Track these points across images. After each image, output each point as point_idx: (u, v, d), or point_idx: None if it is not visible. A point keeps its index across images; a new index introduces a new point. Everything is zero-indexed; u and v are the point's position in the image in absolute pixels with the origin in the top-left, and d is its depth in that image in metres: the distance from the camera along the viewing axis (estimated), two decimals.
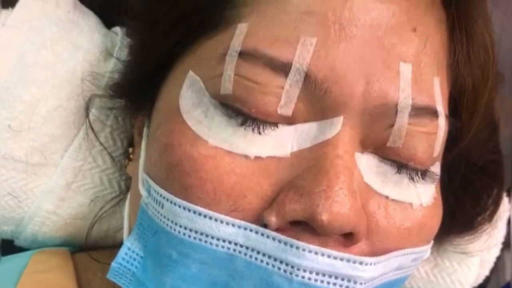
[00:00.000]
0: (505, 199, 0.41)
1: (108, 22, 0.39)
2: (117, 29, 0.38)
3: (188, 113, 0.29)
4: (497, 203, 0.39)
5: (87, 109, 0.35)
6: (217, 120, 0.28)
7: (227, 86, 0.27)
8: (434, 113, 0.29)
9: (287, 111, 0.27)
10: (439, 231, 0.32)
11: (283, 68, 0.27)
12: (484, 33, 0.32)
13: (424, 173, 0.30)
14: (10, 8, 0.36)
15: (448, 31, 0.30)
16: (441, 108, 0.29)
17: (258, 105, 0.27)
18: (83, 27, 0.36)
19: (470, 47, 0.31)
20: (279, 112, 0.27)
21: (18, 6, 0.36)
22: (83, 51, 0.35)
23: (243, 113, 0.27)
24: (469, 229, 0.38)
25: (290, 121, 0.27)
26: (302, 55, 0.26)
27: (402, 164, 0.29)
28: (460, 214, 0.37)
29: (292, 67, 0.26)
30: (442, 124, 0.29)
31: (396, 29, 0.28)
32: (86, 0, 0.39)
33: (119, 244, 0.33)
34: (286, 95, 0.27)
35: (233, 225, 0.27)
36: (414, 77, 0.28)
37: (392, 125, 0.28)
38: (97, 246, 0.40)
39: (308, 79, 0.27)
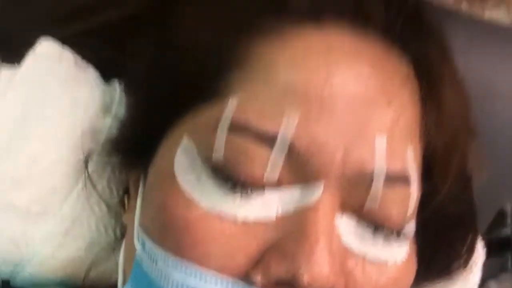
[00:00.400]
0: (479, 244, 0.43)
1: (106, 75, 0.42)
2: (115, 84, 0.40)
3: (182, 176, 0.31)
4: (471, 250, 0.41)
5: (86, 162, 0.37)
6: (209, 184, 0.30)
7: (218, 154, 0.30)
8: (406, 180, 0.31)
9: (273, 178, 0.30)
10: (414, 280, 0.35)
11: (269, 140, 0.29)
12: (455, 100, 0.35)
13: (398, 233, 0.32)
14: (16, 64, 0.39)
15: (421, 101, 0.33)
16: (414, 174, 0.32)
17: (246, 173, 0.30)
18: (83, 83, 0.39)
19: (441, 116, 0.34)
20: (265, 179, 0.30)
21: (23, 63, 0.38)
22: (83, 107, 0.38)
23: (232, 179, 0.30)
24: (444, 276, 0.41)
25: (276, 185, 0.30)
26: (286, 129, 0.29)
27: (378, 225, 0.31)
28: (435, 262, 0.39)
29: (278, 139, 0.29)
30: (414, 189, 0.32)
31: (372, 102, 0.31)
32: (85, 55, 0.41)
33: (114, 285, 0.36)
34: (271, 164, 0.29)
35: (221, 283, 0.29)
36: (388, 147, 0.31)
37: (368, 190, 0.30)
38: (94, 286, 0.42)
39: (292, 150, 0.29)
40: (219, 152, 0.30)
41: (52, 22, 0.41)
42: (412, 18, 0.34)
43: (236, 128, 0.30)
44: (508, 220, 1.08)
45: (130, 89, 0.37)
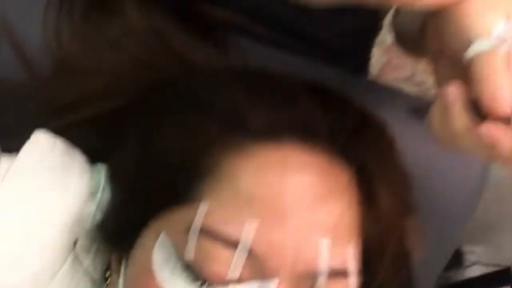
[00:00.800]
0: None
1: (94, 158, 0.47)
2: (101, 169, 0.46)
3: (159, 270, 0.37)
4: None
5: (74, 244, 0.43)
6: (181, 279, 0.36)
7: (189, 254, 0.36)
8: (347, 273, 0.38)
9: (235, 276, 0.36)
10: None
11: (233, 244, 0.35)
12: (392, 196, 0.41)
13: None
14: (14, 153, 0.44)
15: (360, 203, 0.40)
16: (353, 267, 0.38)
17: (213, 272, 0.35)
18: (73, 171, 0.44)
19: (377, 214, 0.40)
20: (228, 277, 0.36)
21: (20, 153, 0.43)
22: (72, 195, 0.43)
23: (201, 277, 0.36)
24: None
25: (238, 282, 0.36)
26: (247, 235, 0.35)
27: None
28: None
29: (239, 244, 0.35)
30: (353, 280, 0.38)
31: (318, 209, 0.37)
32: (75, 143, 0.46)
33: None
34: (234, 264, 0.35)
35: None
36: (331, 247, 0.37)
37: (315, 284, 0.37)
38: None
39: (251, 252, 0.35)
40: (190, 252, 0.36)
41: (46, 115, 0.46)
42: (356, 129, 0.40)
43: (205, 232, 0.36)
44: (466, 260, 1.15)
45: (113, 182, 0.43)
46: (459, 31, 0.37)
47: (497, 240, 1.15)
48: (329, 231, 0.37)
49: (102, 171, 0.45)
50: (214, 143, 0.38)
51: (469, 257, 1.10)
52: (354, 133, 0.40)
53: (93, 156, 0.47)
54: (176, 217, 0.38)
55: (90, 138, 0.47)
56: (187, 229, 0.36)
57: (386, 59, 1.10)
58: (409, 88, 1.12)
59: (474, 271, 1.08)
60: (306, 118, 0.38)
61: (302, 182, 0.37)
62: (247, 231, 0.35)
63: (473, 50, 0.35)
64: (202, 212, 0.36)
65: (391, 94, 0.60)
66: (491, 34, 0.35)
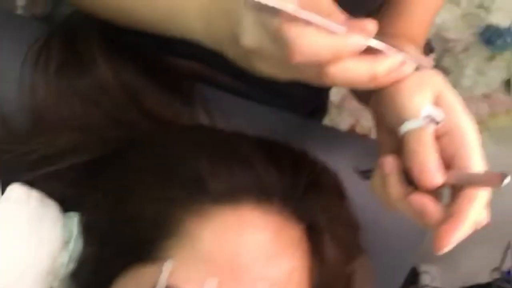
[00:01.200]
0: None
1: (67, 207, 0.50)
2: (74, 218, 0.49)
3: None
4: None
5: None
6: None
7: None
8: None
9: None
10: None
11: None
12: (338, 248, 0.46)
13: None
14: None
15: (310, 258, 0.44)
16: None
17: None
18: (47, 221, 0.47)
19: (324, 267, 0.45)
20: None
21: None
22: (47, 244, 0.46)
23: None
24: None
25: None
26: None
27: None
28: None
29: None
30: None
31: (271, 266, 0.41)
32: (49, 193, 0.50)
33: None
34: None
35: None
36: None
37: None
38: None
39: None
40: None
41: (22, 167, 0.49)
42: (307, 187, 0.45)
43: None
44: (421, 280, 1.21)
45: (85, 233, 0.46)
46: (394, 107, 0.41)
47: (452, 260, 1.21)
48: (281, 286, 0.41)
49: (75, 219, 0.49)
50: (178, 205, 0.42)
51: (425, 278, 1.16)
52: (304, 193, 0.44)
53: (66, 204, 0.50)
54: (142, 275, 0.41)
55: (64, 188, 0.51)
56: (153, 287, 0.40)
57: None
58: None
59: None
60: (262, 181, 0.43)
61: (257, 241, 0.41)
62: None
63: (405, 126, 0.40)
64: (166, 271, 0.40)
65: (345, 139, 0.65)
66: (420, 114, 0.40)
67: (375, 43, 0.38)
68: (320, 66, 0.38)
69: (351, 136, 0.67)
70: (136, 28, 0.49)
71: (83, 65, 0.52)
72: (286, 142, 0.49)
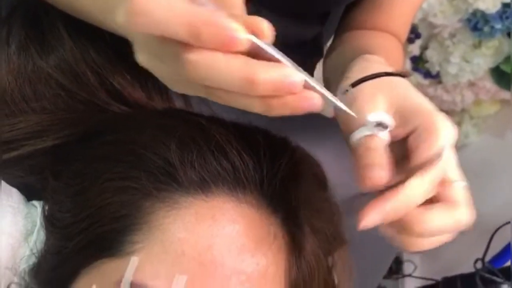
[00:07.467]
0: None
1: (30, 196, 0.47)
2: (37, 207, 0.46)
3: None
4: None
5: None
6: None
7: None
8: None
9: None
10: None
11: None
12: (315, 242, 0.43)
13: None
14: None
15: (287, 252, 0.41)
16: None
17: None
18: (6, 211, 0.44)
19: (301, 261, 0.42)
20: None
21: None
22: (6, 235, 0.43)
23: None
24: None
25: None
26: None
27: None
28: None
29: None
30: None
31: (245, 260, 0.38)
32: (11, 181, 0.46)
33: None
34: None
35: None
36: None
37: None
38: None
39: None
40: None
41: None
42: (285, 177, 0.42)
43: (135, 286, 0.37)
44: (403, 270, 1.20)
45: (48, 224, 0.43)
46: (346, 119, 0.41)
47: (435, 250, 1.20)
48: (256, 282, 0.38)
49: (38, 209, 0.45)
50: (145, 196, 0.39)
51: (408, 267, 1.14)
52: (282, 182, 0.41)
53: (29, 193, 0.47)
54: (107, 270, 0.38)
55: (26, 175, 0.47)
56: (118, 283, 0.37)
57: None
58: None
59: (409, 284, 1.13)
60: (236, 170, 0.40)
61: (231, 234, 0.38)
62: (176, 286, 0.36)
63: (354, 137, 0.40)
64: (133, 266, 0.37)
65: (329, 127, 0.62)
66: (370, 122, 0.40)
67: (270, 49, 0.31)
68: (175, 46, 0.31)
69: (336, 124, 0.64)
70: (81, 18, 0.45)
71: (48, 43, 0.48)
72: (265, 128, 0.46)
